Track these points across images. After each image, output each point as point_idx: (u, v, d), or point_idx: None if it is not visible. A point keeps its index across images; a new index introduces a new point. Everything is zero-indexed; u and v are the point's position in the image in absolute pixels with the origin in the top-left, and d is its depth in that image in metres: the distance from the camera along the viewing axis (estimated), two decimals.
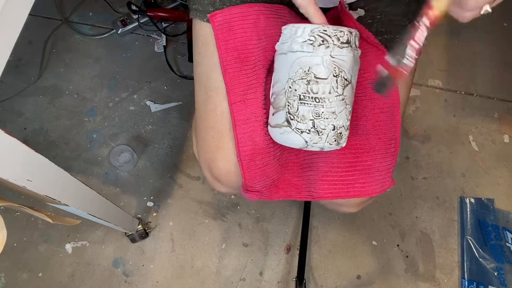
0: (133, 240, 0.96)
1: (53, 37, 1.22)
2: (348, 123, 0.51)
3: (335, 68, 0.47)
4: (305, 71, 0.47)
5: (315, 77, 0.47)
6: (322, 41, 0.46)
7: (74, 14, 1.26)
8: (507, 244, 0.97)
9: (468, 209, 1.02)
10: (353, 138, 0.57)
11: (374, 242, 0.99)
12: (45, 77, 1.17)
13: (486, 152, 1.10)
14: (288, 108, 0.50)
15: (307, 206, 0.97)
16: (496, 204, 1.03)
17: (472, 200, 1.03)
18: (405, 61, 0.42)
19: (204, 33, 0.60)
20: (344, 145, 0.52)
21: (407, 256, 0.98)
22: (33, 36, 1.21)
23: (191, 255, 0.97)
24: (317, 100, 0.48)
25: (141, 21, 1.20)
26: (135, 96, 1.14)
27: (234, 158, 0.57)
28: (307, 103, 0.48)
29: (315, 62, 0.47)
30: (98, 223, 0.75)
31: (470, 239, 0.98)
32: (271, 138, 0.56)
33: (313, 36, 0.46)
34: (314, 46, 0.46)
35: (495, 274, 0.94)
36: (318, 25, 0.46)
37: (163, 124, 1.11)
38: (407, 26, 0.58)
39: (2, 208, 0.48)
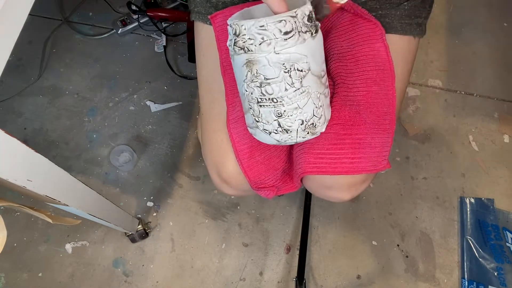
0: (133, 240, 0.96)
1: (53, 37, 1.22)
2: (321, 109, 0.47)
3: (283, 64, 0.42)
4: (254, 74, 0.43)
5: (265, 78, 0.43)
6: (262, 38, 0.41)
7: (74, 14, 1.26)
8: (507, 244, 0.97)
9: (468, 209, 1.02)
10: (342, 109, 0.54)
11: (374, 242, 0.99)
12: (45, 77, 1.17)
13: (486, 152, 1.10)
14: (251, 111, 0.47)
15: (307, 206, 0.97)
16: (496, 204, 1.03)
17: (472, 200, 1.03)
18: None
19: (207, 35, 0.60)
20: (323, 130, 0.49)
21: (407, 256, 0.98)
22: (33, 36, 1.21)
23: (191, 255, 0.97)
24: (274, 100, 0.44)
25: (141, 21, 1.20)
26: (135, 96, 1.14)
27: None
28: (266, 105, 0.45)
29: (261, 64, 0.42)
30: (98, 223, 0.75)
31: (470, 239, 0.98)
32: None
33: (252, 34, 0.42)
34: (255, 45, 0.42)
35: (495, 274, 0.94)
36: (255, 21, 0.41)
37: (163, 124, 1.11)
38: (401, 4, 0.57)
39: (2, 208, 0.48)
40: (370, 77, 0.54)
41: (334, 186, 0.57)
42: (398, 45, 0.58)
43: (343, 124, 0.53)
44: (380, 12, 0.58)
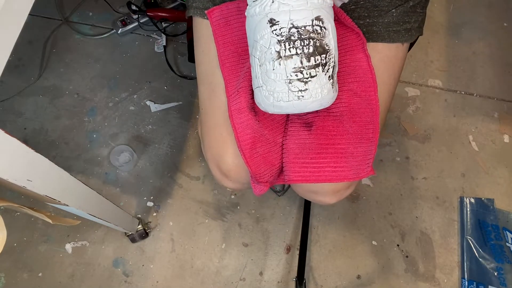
0: (133, 240, 0.96)
1: (53, 37, 1.22)
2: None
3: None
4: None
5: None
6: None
7: (74, 14, 1.26)
8: (507, 244, 0.97)
9: (468, 209, 1.02)
10: (326, 119, 0.56)
11: (374, 242, 0.99)
12: (45, 77, 1.17)
13: (486, 152, 1.10)
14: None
15: (307, 206, 0.97)
16: (496, 204, 1.03)
17: (472, 200, 1.03)
18: None
19: (206, 30, 0.60)
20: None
21: (407, 256, 0.98)
22: (33, 36, 1.21)
23: (191, 255, 0.97)
24: None
25: (141, 21, 1.20)
26: (135, 96, 1.14)
27: None
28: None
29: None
30: (98, 223, 0.75)
31: (470, 239, 0.98)
32: (266, 125, 0.56)
33: None
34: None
35: (495, 274, 0.94)
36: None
37: (163, 124, 1.11)
38: (389, 11, 0.58)
39: (2, 208, 0.48)
40: (351, 89, 0.56)
41: (319, 191, 0.60)
42: (385, 53, 0.59)
43: (326, 134, 0.55)
44: (368, 20, 0.58)
